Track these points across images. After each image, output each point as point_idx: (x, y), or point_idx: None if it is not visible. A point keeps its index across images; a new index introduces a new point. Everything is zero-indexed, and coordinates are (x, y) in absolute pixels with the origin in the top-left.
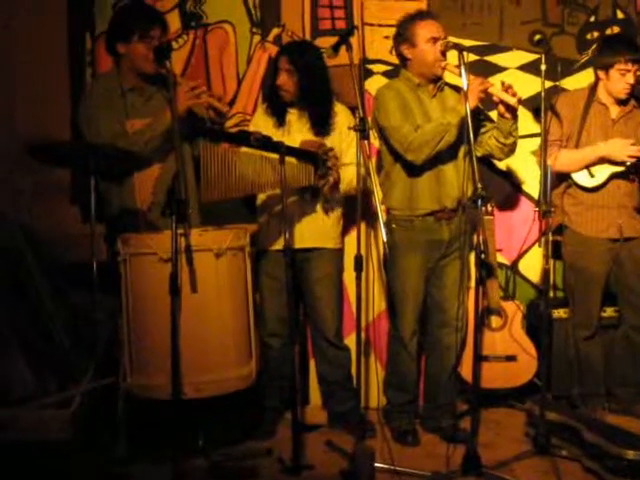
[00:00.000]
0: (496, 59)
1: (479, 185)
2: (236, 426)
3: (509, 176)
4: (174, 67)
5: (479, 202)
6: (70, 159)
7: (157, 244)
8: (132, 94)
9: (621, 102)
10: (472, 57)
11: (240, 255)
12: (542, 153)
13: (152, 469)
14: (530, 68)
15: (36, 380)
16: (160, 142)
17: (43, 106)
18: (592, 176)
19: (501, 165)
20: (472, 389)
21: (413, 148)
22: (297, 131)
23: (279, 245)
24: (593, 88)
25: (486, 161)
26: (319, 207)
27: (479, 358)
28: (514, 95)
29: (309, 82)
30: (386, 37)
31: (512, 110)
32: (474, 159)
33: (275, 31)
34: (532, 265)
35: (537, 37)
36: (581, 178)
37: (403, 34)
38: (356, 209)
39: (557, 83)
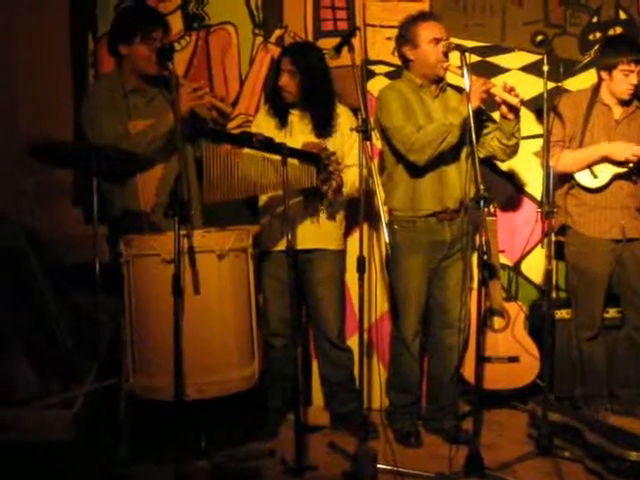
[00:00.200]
0: (498, 60)
1: (481, 186)
2: (239, 427)
3: (511, 177)
4: (176, 68)
5: (481, 203)
6: (72, 160)
7: (160, 245)
8: (134, 95)
9: (624, 103)
10: (474, 58)
11: (242, 256)
12: (545, 154)
13: (154, 470)
14: (532, 69)
15: (39, 381)
16: (163, 143)
17: (45, 106)
18: (595, 177)
19: (503, 166)
20: (474, 390)
21: (415, 149)
22: (299, 132)
23: (281, 246)
24: (596, 89)
25: (488, 162)
26: (321, 208)
27: (481, 359)
28: (516, 96)
29: (311, 83)
30: (388, 38)
31: (515, 111)
32: (476, 160)
33: (277, 32)
34: (535, 266)
35: (539, 38)
36: (584, 179)
37: (405, 35)
38: (358, 210)
39: (559, 84)
